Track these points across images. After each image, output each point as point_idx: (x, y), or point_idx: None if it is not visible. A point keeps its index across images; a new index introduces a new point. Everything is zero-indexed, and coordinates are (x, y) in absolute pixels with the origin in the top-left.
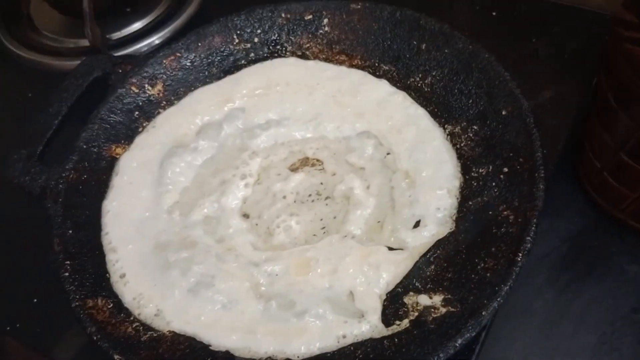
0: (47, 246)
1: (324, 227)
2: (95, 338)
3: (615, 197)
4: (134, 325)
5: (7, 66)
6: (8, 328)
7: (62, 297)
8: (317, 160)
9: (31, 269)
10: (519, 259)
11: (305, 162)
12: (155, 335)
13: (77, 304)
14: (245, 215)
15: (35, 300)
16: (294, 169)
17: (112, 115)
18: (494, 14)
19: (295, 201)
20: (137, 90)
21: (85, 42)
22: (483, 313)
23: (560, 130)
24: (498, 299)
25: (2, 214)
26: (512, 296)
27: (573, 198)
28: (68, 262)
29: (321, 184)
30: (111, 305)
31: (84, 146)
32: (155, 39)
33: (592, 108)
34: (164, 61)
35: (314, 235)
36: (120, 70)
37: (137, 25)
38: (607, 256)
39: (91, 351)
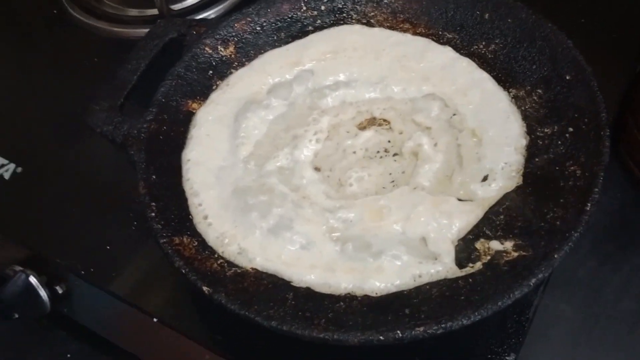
0: (119, 195)
1: (393, 181)
2: (184, 271)
3: None
4: (218, 262)
5: (72, 33)
6: (83, 272)
7: (135, 243)
8: (384, 120)
9: (106, 217)
10: (588, 208)
11: (373, 122)
12: (239, 271)
13: (164, 240)
14: (317, 169)
15: (108, 247)
16: (362, 128)
17: (187, 73)
18: None
19: (364, 157)
20: (210, 51)
21: (145, 12)
22: (555, 256)
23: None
24: (569, 244)
25: (79, 165)
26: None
27: (615, 174)
28: (154, 203)
29: (389, 141)
30: (196, 243)
31: (163, 100)
32: (212, 12)
33: (637, 86)
34: (236, 25)
35: (384, 187)
36: (194, 32)
37: None
38: None
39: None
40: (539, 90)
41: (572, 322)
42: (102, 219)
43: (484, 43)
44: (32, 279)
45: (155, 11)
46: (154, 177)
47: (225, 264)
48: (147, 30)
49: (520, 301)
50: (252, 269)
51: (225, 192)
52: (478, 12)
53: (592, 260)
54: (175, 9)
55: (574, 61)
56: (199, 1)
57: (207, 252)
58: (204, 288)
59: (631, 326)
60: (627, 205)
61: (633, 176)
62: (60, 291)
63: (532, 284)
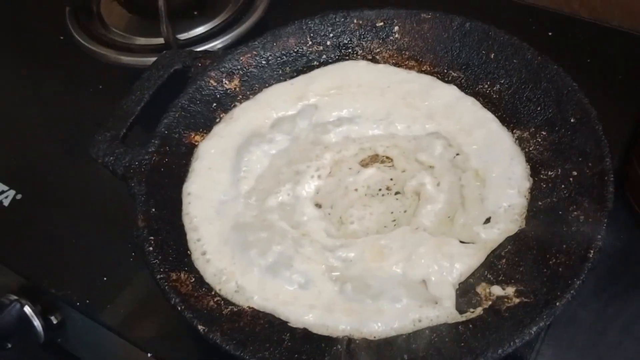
0: (118, 227)
1: (394, 220)
2: (179, 308)
3: None
4: (215, 299)
5: (77, 60)
6: (78, 304)
7: (132, 275)
8: (387, 157)
9: (104, 248)
10: (591, 256)
11: (376, 159)
12: (235, 309)
13: (161, 276)
14: (318, 205)
15: (105, 278)
16: (364, 165)
17: (191, 105)
18: (549, 34)
19: (366, 194)
20: (215, 84)
21: (152, 41)
22: (557, 304)
23: (611, 150)
24: (571, 292)
25: (80, 195)
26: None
27: (619, 214)
28: (152, 237)
29: (391, 179)
30: (193, 279)
31: (165, 131)
32: (218, 43)
33: None
34: (241, 58)
35: (385, 226)
36: (199, 64)
37: (201, 29)
38: None
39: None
40: (544, 132)
41: None
42: (99, 250)
43: (489, 83)
44: (27, 309)
45: (162, 40)
46: (153, 210)
47: (222, 302)
48: (153, 59)
49: (521, 346)
50: (249, 307)
51: (225, 227)
52: (484, 52)
53: (595, 302)
54: (182, 38)
55: (579, 104)
56: (206, 31)
57: (204, 289)
58: (200, 327)
59: None
60: (631, 246)
61: (637, 218)
62: (54, 321)
63: (533, 332)
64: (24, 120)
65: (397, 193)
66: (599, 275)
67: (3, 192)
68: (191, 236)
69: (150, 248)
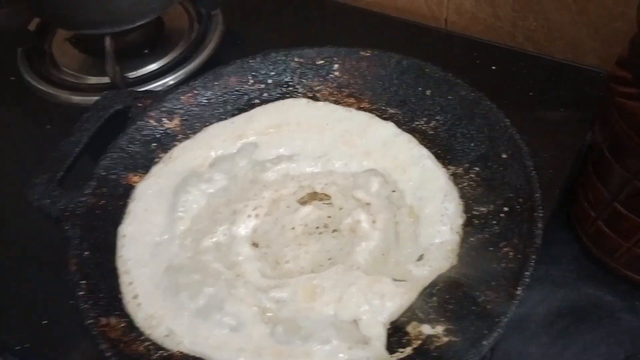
0: (57, 269)
1: (330, 258)
2: (107, 354)
3: (610, 246)
4: (145, 344)
5: (28, 100)
6: (18, 348)
7: (72, 318)
8: (325, 194)
9: (43, 291)
10: (518, 293)
11: (314, 197)
12: (165, 354)
13: (90, 321)
14: (255, 244)
15: (45, 322)
16: (302, 202)
17: (130, 146)
18: (493, 68)
19: (303, 233)
20: (155, 123)
21: (103, 80)
22: (484, 343)
23: (555, 180)
24: (498, 330)
25: (18, 236)
26: (508, 340)
27: (568, 246)
28: (83, 281)
29: (329, 217)
30: (124, 324)
31: (103, 173)
32: (169, 80)
33: (586, 160)
34: (182, 97)
35: (321, 265)
36: (140, 104)
37: (153, 66)
38: (602, 304)
39: None
40: (477, 168)
41: None
42: (38, 293)
43: (425, 119)
44: None
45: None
46: (86, 253)
47: (152, 347)
48: None
49: None
50: (179, 352)
51: (157, 270)
52: (420, 89)
53: (544, 335)
54: (132, 76)
55: (510, 140)
56: (157, 69)
57: (134, 333)
58: None
59: None
60: (580, 277)
61: (585, 248)
62: None
63: None
64: None
65: (334, 230)
66: (549, 308)
67: None
68: (123, 279)
69: (81, 292)
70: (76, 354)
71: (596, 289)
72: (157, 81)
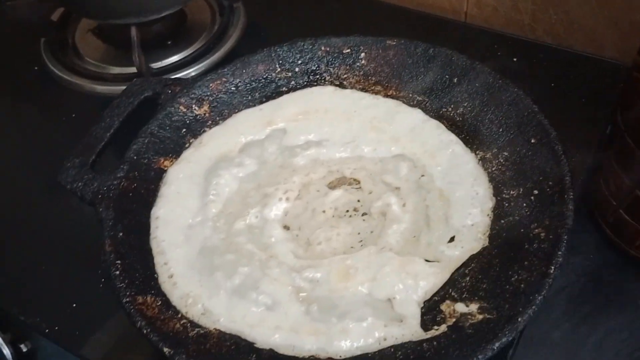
0: (86, 254)
1: (361, 241)
2: (145, 331)
3: (630, 234)
4: (181, 322)
5: (51, 89)
6: (47, 331)
7: (101, 302)
8: (354, 179)
9: (72, 275)
10: (552, 272)
11: (343, 181)
12: (202, 332)
13: (127, 299)
14: (286, 227)
15: (74, 305)
16: (332, 187)
17: (161, 131)
18: (514, 59)
19: (333, 216)
20: (185, 110)
21: (125, 70)
22: (519, 319)
23: (576, 170)
24: (533, 307)
25: (46, 222)
26: (531, 326)
27: (589, 235)
28: (119, 261)
29: (358, 201)
30: (159, 302)
31: (135, 157)
32: (192, 71)
33: (608, 149)
34: (211, 85)
35: (352, 247)
36: (169, 91)
37: (175, 58)
38: (623, 291)
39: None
40: (505, 153)
41: None
42: (69, 277)
43: (452, 106)
44: None
45: (135, 69)
46: (121, 234)
47: (189, 324)
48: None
49: None
50: (216, 329)
51: (192, 251)
52: (447, 76)
53: (566, 322)
54: (155, 67)
55: (539, 125)
56: (179, 60)
57: (170, 311)
58: (165, 349)
59: None
60: (601, 266)
61: (606, 237)
62: (24, 349)
63: (495, 347)
64: None
65: (364, 214)
66: (570, 296)
67: None
68: (158, 260)
69: (117, 272)
70: (105, 337)
71: (617, 277)
72: (180, 72)
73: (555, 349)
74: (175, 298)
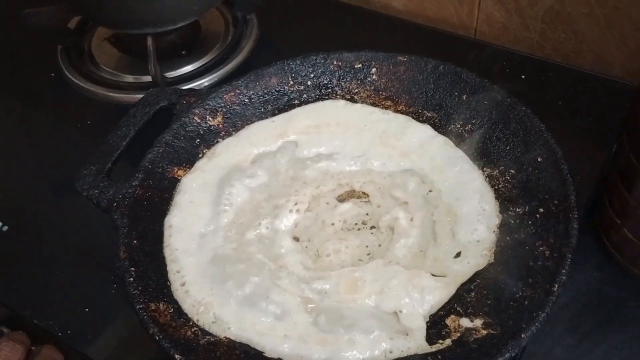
0: (99, 259)
1: (369, 253)
2: (157, 338)
3: (634, 253)
4: (192, 330)
5: (67, 96)
6: (60, 334)
7: (114, 307)
8: (364, 193)
9: (86, 280)
10: (555, 289)
11: (352, 194)
12: (212, 339)
13: (141, 306)
14: (296, 238)
15: (87, 309)
16: (341, 200)
17: (175, 141)
18: (522, 77)
19: (342, 228)
20: (199, 120)
21: (140, 79)
22: (522, 335)
23: (582, 188)
24: (536, 324)
25: (61, 227)
26: (534, 343)
27: (592, 253)
28: (133, 268)
29: (367, 214)
30: (172, 310)
31: (149, 166)
32: (205, 81)
33: (613, 168)
34: (225, 96)
35: (360, 260)
36: (184, 102)
37: (189, 68)
38: (625, 309)
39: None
40: (512, 171)
41: None
42: (82, 282)
43: (461, 122)
44: None
45: (150, 78)
46: (135, 242)
47: (200, 332)
48: (141, 95)
49: None
50: (226, 338)
51: (204, 259)
52: (456, 93)
53: (569, 338)
54: (170, 76)
55: (545, 144)
56: (193, 70)
57: (182, 319)
58: (177, 356)
59: None
60: (604, 283)
61: (610, 255)
62: None
63: None
64: (12, 154)
65: (372, 227)
66: (573, 312)
67: None
68: (171, 268)
69: (131, 279)
70: (117, 341)
71: (620, 294)
72: (193, 82)
73: None
74: (187, 306)
